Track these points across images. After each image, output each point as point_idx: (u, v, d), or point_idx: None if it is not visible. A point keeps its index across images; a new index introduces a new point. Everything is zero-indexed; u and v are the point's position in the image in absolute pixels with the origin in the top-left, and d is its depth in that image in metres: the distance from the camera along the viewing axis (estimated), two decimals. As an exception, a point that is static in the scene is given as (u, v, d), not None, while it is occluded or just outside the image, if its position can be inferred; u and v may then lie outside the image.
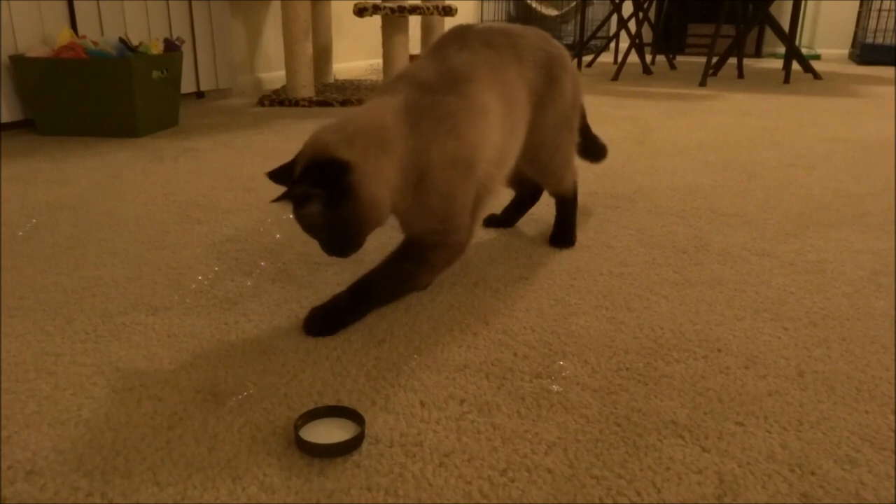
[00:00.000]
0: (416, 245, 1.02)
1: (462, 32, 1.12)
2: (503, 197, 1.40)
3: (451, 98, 1.00)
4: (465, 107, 1.00)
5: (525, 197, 1.40)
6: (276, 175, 0.98)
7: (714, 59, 4.08)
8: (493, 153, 1.05)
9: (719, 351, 0.90)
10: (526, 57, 1.14)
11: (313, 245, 1.29)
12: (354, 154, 0.91)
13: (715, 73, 4.30)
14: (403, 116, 0.96)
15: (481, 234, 1.35)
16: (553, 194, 1.32)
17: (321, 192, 0.89)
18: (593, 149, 1.45)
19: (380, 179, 0.93)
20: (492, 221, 1.41)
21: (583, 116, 1.33)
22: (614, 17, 4.65)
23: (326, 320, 0.95)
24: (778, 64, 4.77)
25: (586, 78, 4.19)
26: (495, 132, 1.05)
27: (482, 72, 1.05)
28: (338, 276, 1.14)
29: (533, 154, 1.20)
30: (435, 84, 1.01)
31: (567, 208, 1.32)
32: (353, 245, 0.95)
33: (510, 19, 6.05)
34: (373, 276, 1.00)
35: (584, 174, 1.81)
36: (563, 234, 1.31)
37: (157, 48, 2.46)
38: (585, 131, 1.36)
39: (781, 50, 4.66)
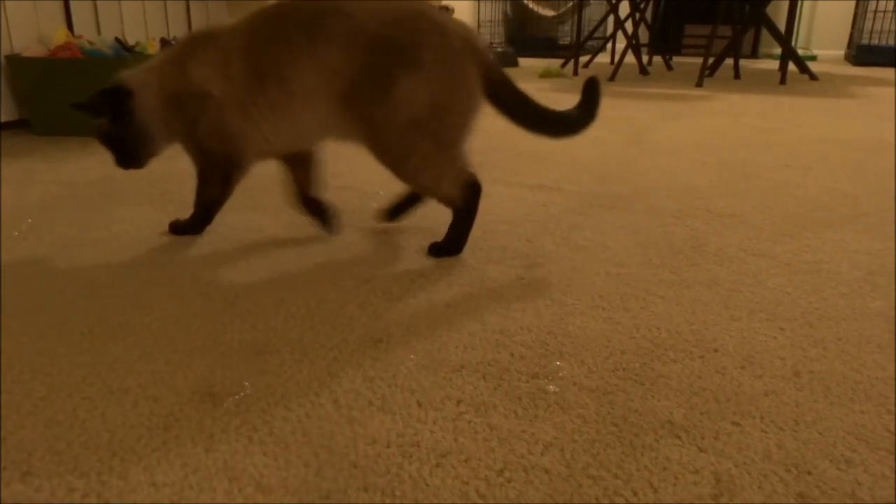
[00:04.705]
0: (198, 165, 1.31)
1: (277, 5, 1.20)
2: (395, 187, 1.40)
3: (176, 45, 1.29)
4: (188, 55, 1.23)
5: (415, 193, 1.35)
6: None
7: (711, 60, 4.08)
8: (224, 89, 1.19)
9: (716, 351, 0.91)
10: (331, 36, 1.11)
11: (310, 244, 1.30)
12: (137, 85, 1.26)
13: (711, 74, 4.30)
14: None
15: (472, 235, 1.34)
16: (440, 202, 1.23)
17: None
18: (545, 120, 1.22)
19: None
20: (388, 214, 1.38)
21: (508, 85, 1.17)
22: (611, 18, 4.65)
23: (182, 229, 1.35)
24: (774, 65, 4.78)
25: (583, 79, 4.18)
26: (223, 74, 1.19)
27: (226, 31, 1.21)
28: (334, 273, 1.14)
29: (378, 154, 1.17)
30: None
31: (455, 218, 1.23)
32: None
33: (507, 19, 6.05)
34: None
35: (581, 175, 1.82)
36: (446, 241, 1.24)
37: (153, 48, 2.46)
38: (521, 100, 1.18)
39: (778, 51, 4.67)
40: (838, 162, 1.98)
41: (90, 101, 1.26)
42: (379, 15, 1.11)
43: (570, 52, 4.67)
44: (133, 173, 1.86)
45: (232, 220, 1.43)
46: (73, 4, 2.47)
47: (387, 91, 1.10)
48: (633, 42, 4.41)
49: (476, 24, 5.90)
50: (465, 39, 1.13)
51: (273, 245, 1.29)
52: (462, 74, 1.12)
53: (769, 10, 4.31)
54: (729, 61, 4.43)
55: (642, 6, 4.44)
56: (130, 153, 1.31)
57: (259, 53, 1.17)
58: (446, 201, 1.22)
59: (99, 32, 2.57)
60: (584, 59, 4.89)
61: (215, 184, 1.30)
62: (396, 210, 1.38)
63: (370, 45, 1.10)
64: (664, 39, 5.45)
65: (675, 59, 5.51)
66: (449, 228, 1.24)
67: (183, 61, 1.23)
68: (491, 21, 5.92)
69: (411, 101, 1.10)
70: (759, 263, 1.21)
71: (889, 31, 5.34)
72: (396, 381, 0.83)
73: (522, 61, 5.17)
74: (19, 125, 2.39)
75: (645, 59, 4.94)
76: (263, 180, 1.73)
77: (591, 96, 1.23)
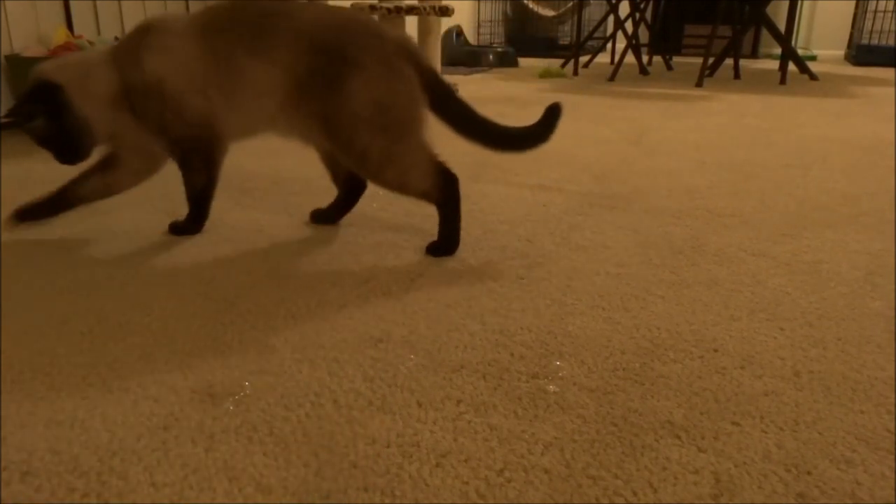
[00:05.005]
0: (177, 156, 1.31)
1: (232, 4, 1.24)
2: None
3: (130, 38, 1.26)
4: (141, 44, 1.23)
5: (349, 194, 1.40)
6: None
7: (711, 60, 4.08)
8: (189, 83, 1.22)
9: (715, 351, 0.91)
10: (278, 35, 1.17)
11: (310, 244, 1.30)
12: (65, 79, 1.22)
13: (711, 74, 4.30)
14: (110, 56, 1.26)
15: (468, 232, 1.35)
16: (419, 199, 1.26)
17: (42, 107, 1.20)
18: (486, 131, 1.23)
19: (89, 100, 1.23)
20: (317, 217, 1.42)
21: (445, 90, 1.20)
22: (611, 18, 4.65)
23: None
24: (774, 65, 4.78)
25: (583, 79, 4.19)
26: (187, 69, 1.21)
27: (182, 23, 1.24)
28: (334, 273, 1.14)
29: (340, 156, 1.24)
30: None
31: (440, 213, 1.25)
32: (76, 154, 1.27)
33: (507, 19, 6.05)
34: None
35: (581, 175, 1.82)
36: (439, 239, 1.25)
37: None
38: (460, 107, 1.21)
39: (778, 51, 4.67)
40: (838, 162, 1.98)
41: (23, 107, 1.21)
42: (322, 19, 1.19)
43: (570, 52, 4.67)
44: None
45: (232, 220, 1.43)
46: (73, 4, 2.47)
47: (337, 91, 1.16)
48: (633, 42, 4.41)
49: (476, 24, 5.90)
50: (401, 44, 1.20)
51: (273, 245, 1.29)
52: (400, 73, 1.18)
53: (769, 10, 4.31)
54: (729, 61, 4.43)
55: (642, 6, 4.45)
56: (71, 147, 1.27)
57: (213, 44, 1.21)
58: (423, 196, 1.24)
59: (99, 32, 2.57)
60: (584, 59, 4.89)
61: (199, 169, 1.31)
62: (325, 215, 1.41)
63: (314, 48, 1.16)
64: (664, 39, 5.45)
65: (675, 59, 5.51)
66: (439, 226, 1.25)
67: (137, 52, 1.23)
68: (491, 21, 5.92)
69: (358, 101, 1.15)
70: (759, 263, 1.21)
71: (889, 31, 5.34)
72: (396, 381, 0.83)
73: (522, 61, 5.17)
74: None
75: (645, 59, 4.94)
76: (264, 180, 1.73)
77: (549, 119, 1.24)
